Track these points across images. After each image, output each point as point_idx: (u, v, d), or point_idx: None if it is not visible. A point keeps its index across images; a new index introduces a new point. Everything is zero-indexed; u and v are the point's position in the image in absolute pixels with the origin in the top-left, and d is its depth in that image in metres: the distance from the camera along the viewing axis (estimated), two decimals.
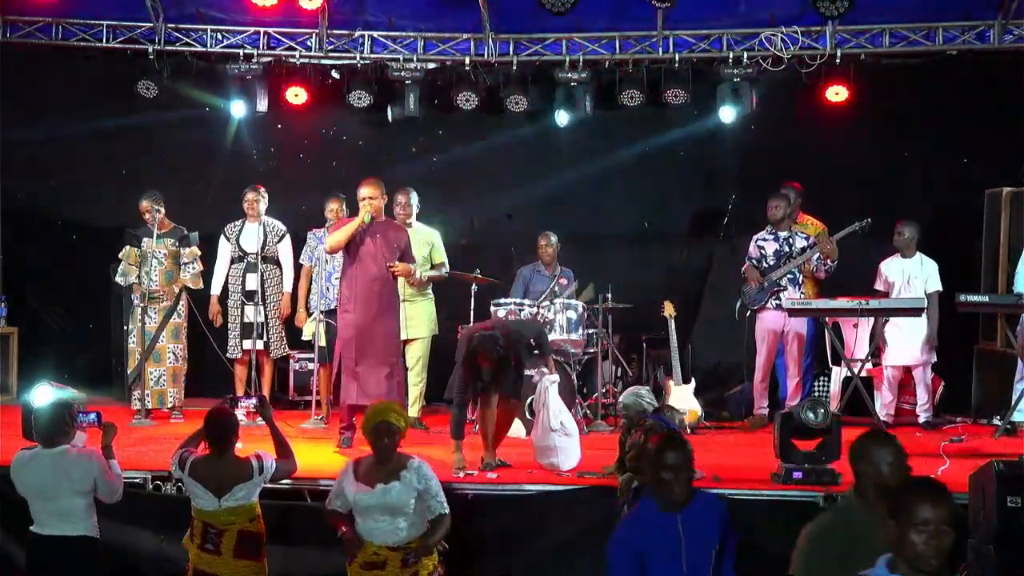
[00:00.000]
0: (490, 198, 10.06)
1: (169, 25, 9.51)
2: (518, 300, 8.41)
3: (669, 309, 8.63)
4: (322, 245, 8.13)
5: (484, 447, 6.75)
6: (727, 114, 9.45)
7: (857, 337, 8.70)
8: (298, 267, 8.82)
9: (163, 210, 8.50)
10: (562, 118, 9.64)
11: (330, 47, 9.65)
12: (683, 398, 8.31)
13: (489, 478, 6.41)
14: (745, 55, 9.20)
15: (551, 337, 8.04)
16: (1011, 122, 8.95)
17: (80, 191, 9.83)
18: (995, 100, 9.12)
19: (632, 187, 10.05)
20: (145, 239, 8.42)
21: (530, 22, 9.35)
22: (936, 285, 8.43)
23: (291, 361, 9.24)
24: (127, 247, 8.57)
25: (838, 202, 9.22)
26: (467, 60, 9.58)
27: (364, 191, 7.35)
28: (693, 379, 8.51)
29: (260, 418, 6.41)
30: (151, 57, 9.50)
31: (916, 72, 9.22)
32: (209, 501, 5.13)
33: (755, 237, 8.59)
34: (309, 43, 9.65)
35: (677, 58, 9.38)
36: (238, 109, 9.67)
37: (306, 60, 9.67)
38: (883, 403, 8.51)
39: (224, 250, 8.77)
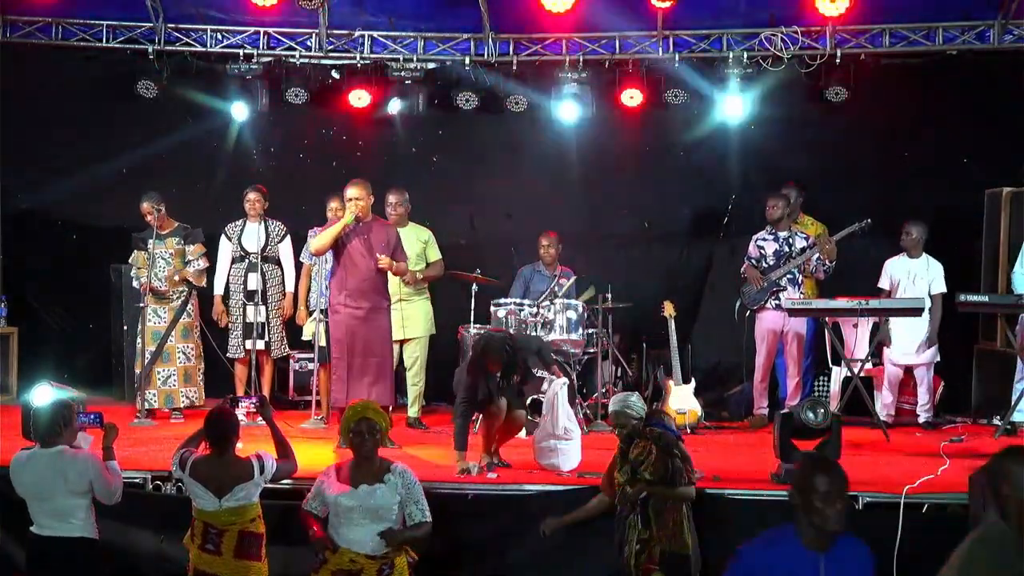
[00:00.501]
0: (490, 198, 10.06)
1: (169, 25, 9.51)
2: (518, 300, 8.42)
3: (669, 309, 8.62)
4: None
5: (484, 448, 6.74)
6: (727, 114, 9.45)
7: (857, 337, 8.71)
8: (299, 266, 8.83)
9: (163, 209, 8.49)
10: (562, 118, 9.64)
11: (330, 47, 9.65)
12: (683, 398, 8.31)
13: (489, 478, 6.41)
14: (745, 55, 9.20)
15: (551, 337, 8.08)
16: (1011, 122, 8.94)
17: (80, 191, 9.81)
18: (995, 100, 9.11)
19: (632, 187, 10.04)
20: (150, 241, 8.42)
21: (530, 22, 9.34)
22: (941, 287, 8.44)
23: (291, 361, 9.24)
24: (135, 252, 8.59)
25: (838, 202, 9.23)
26: (467, 60, 9.59)
27: (350, 192, 7.35)
28: (693, 379, 8.50)
29: (260, 418, 6.42)
30: (151, 57, 9.50)
31: (916, 72, 9.21)
32: (210, 501, 5.13)
33: (755, 237, 8.60)
34: (309, 43, 9.64)
35: (677, 58, 9.39)
36: (238, 109, 9.66)
37: (306, 60, 9.66)
38: (883, 403, 8.53)
39: (225, 250, 8.77)
